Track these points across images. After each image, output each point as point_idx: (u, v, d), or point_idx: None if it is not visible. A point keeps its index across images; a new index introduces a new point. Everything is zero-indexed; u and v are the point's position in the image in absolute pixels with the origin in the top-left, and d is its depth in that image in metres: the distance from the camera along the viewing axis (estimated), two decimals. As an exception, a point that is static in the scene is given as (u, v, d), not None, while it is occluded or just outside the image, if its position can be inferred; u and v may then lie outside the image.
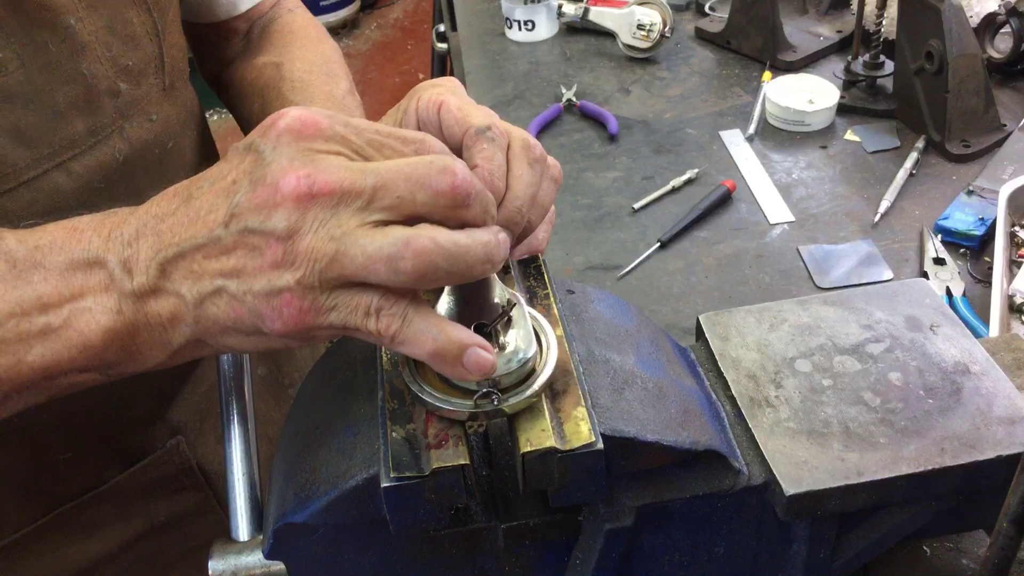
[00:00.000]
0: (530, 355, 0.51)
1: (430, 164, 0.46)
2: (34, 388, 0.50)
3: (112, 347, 0.49)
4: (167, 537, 0.87)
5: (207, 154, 0.89)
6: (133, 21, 0.70)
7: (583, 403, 0.51)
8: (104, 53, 0.68)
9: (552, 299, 0.58)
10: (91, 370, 0.50)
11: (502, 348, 0.51)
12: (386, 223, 0.45)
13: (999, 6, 1.34)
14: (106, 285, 0.48)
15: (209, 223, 0.46)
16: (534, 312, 0.55)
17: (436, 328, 0.47)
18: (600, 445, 0.49)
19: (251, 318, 0.46)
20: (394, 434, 0.50)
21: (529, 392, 0.50)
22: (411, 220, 0.46)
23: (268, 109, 0.82)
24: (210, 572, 0.57)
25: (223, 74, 0.92)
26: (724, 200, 1.21)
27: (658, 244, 1.15)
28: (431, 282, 0.45)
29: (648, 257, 1.14)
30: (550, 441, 0.48)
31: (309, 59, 0.87)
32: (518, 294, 0.54)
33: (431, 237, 0.45)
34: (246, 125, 0.88)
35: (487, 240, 0.47)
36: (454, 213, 0.46)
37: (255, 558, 0.57)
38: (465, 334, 0.47)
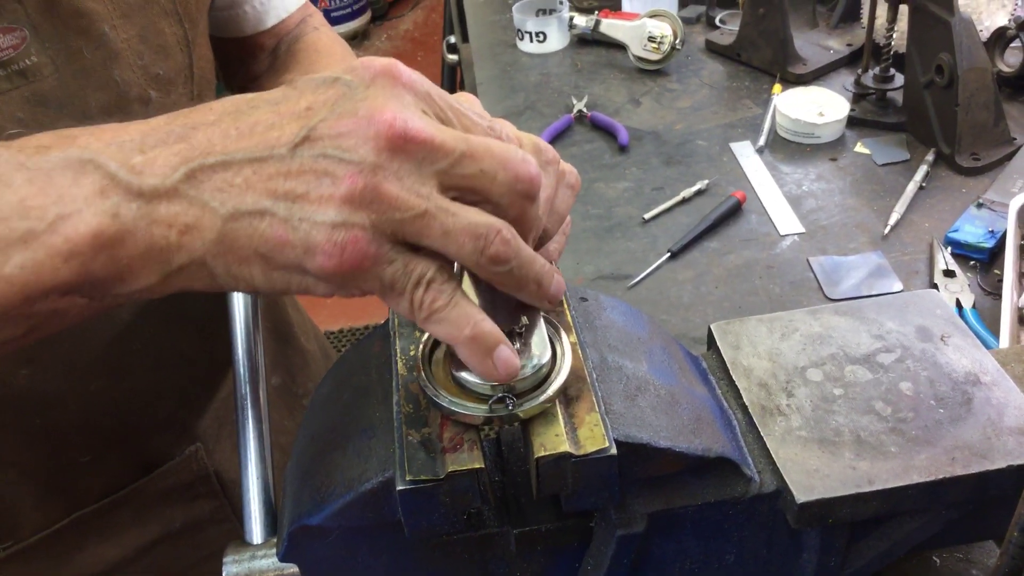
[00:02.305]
0: (544, 361, 0.51)
1: (514, 150, 0.45)
2: (11, 315, 0.43)
3: (101, 257, 0.42)
4: (182, 544, 0.87)
5: None
6: (165, 31, 0.72)
7: (596, 409, 0.51)
8: (136, 61, 0.69)
9: (566, 306, 0.58)
10: (74, 291, 0.43)
11: (517, 354, 0.51)
12: (456, 197, 0.44)
13: (1009, 20, 1.35)
14: (102, 188, 0.42)
15: (270, 140, 0.43)
16: (548, 319, 0.56)
17: (478, 316, 0.46)
18: (614, 451, 0.49)
19: (298, 249, 0.43)
20: (409, 438, 0.50)
21: (543, 397, 0.50)
22: (476, 201, 0.45)
23: None
24: (224, 574, 0.58)
25: (249, 89, 0.94)
26: (734, 211, 1.22)
27: (668, 254, 1.16)
28: (496, 275, 0.45)
29: (658, 267, 1.14)
30: (564, 446, 0.49)
31: None
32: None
33: (513, 231, 0.45)
34: None
35: (544, 263, 0.47)
36: (522, 204, 0.46)
37: (268, 561, 0.58)
38: (499, 331, 0.47)
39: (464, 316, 0.46)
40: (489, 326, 0.47)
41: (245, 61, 0.94)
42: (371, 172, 0.42)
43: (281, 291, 0.45)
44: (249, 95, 0.46)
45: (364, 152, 0.42)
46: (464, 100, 0.52)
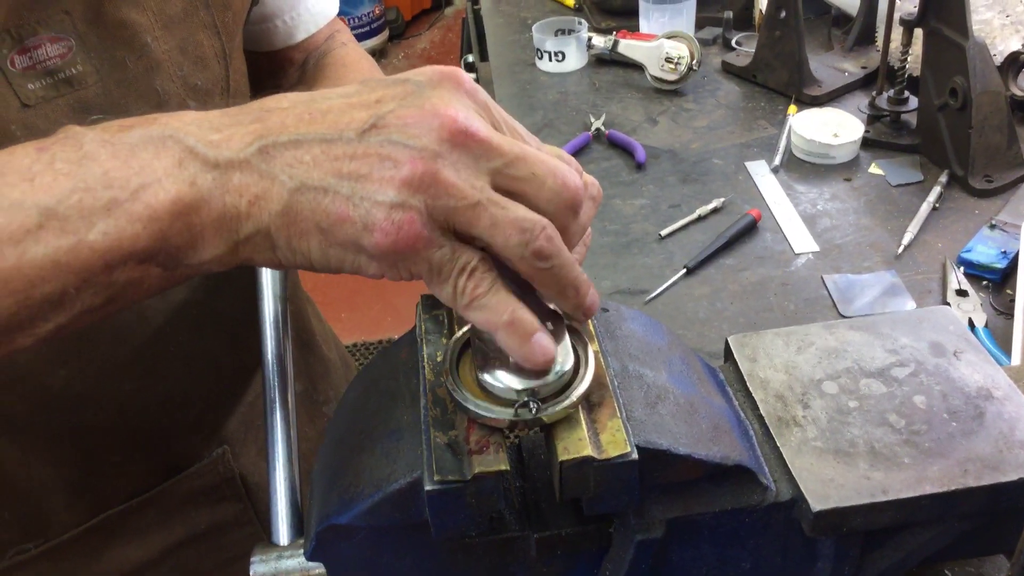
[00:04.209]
0: (568, 368, 0.53)
1: (564, 164, 0.49)
2: (92, 282, 0.45)
3: (177, 223, 0.45)
4: (205, 546, 0.89)
5: None
6: (203, 43, 0.74)
7: (618, 415, 0.53)
8: (176, 72, 0.72)
9: (588, 316, 0.60)
10: (151, 259, 0.46)
11: None
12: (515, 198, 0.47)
13: (1023, 45, 1.36)
14: (181, 159, 0.45)
15: (340, 124, 0.46)
16: (572, 328, 0.57)
17: (516, 304, 0.49)
18: (635, 455, 0.51)
19: (357, 225, 0.45)
20: (437, 440, 0.52)
21: (567, 403, 0.52)
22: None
23: None
24: (251, 574, 0.59)
25: None
26: (750, 229, 1.23)
27: (684, 270, 1.17)
28: (539, 271, 0.48)
29: (675, 283, 1.16)
30: (587, 450, 0.50)
31: None
32: (556, 309, 0.56)
33: (556, 232, 0.48)
34: None
35: (583, 274, 0.51)
36: (565, 213, 0.49)
37: (295, 561, 0.59)
38: (536, 320, 0.49)
39: (504, 302, 0.48)
40: (527, 314, 0.49)
41: (275, 74, 0.96)
42: (432, 159, 0.45)
43: (335, 267, 0.48)
44: (314, 92, 0.49)
45: (427, 140, 0.45)
46: (516, 130, 0.54)
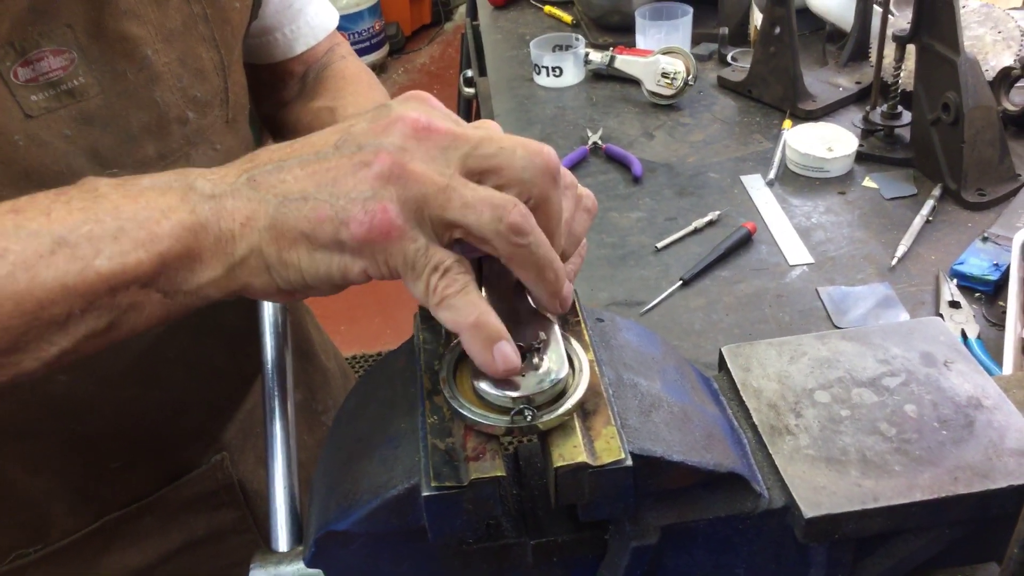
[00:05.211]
0: (563, 376, 0.54)
1: (526, 141, 0.51)
2: (97, 305, 0.49)
3: (177, 247, 0.49)
4: (203, 553, 0.89)
5: None
6: (202, 56, 0.75)
7: (613, 423, 0.54)
8: (176, 84, 0.73)
9: (583, 326, 0.61)
10: (152, 284, 0.49)
11: (536, 369, 0.53)
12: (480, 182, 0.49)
13: (1015, 60, 1.38)
14: (183, 195, 0.50)
15: (317, 146, 0.50)
16: (567, 336, 0.58)
17: (484, 307, 0.50)
18: (629, 462, 0.51)
19: (336, 221, 0.48)
20: (434, 447, 0.53)
21: (562, 410, 0.53)
22: (501, 185, 0.49)
23: None
24: (251, 581, 0.60)
25: (278, 115, 0.98)
26: (745, 241, 1.24)
27: (680, 282, 1.18)
28: (516, 248, 0.49)
29: (670, 295, 1.17)
30: (582, 456, 0.51)
31: (361, 104, 0.92)
32: (552, 319, 0.57)
33: (528, 211, 0.49)
34: None
35: (555, 255, 0.51)
36: (543, 181, 0.50)
37: (294, 568, 0.60)
38: (503, 328, 0.50)
39: (472, 305, 0.49)
40: (494, 320, 0.50)
41: (276, 87, 0.98)
42: (399, 152, 0.48)
43: (324, 275, 0.50)
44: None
45: (393, 139, 0.48)
46: (485, 124, 0.56)
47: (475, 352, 0.50)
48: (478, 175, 0.49)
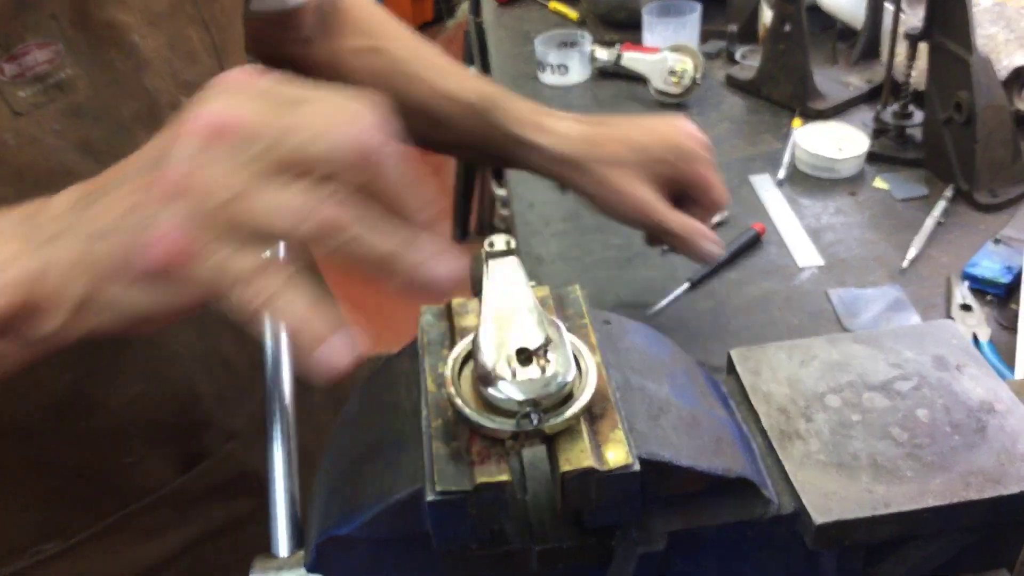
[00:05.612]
0: (569, 379, 0.53)
1: (343, 112, 0.45)
2: None
3: (17, 301, 0.47)
4: (224, 541, 0.89)
5: None
6: (192, 38, 0.75)
7: (620, 427, 0.53)
8: (165, 69, 0.72)
9: (589, 328, 0.60)
10: (3, 335, 0.48)
11: (543, 371, 0.53)
12: (292, 176, 0.44)
13: (1027, 60, 1.36)
14: (25, 241, 0.48)
15: (124, 170, 0.48)
16: (574, 339, 0.57)
17: (303, 308, 0.45)
18: (637, 467, 0.51)
19: (136, 251, 0.45)
20: (439, 451, 0.52)
21: (569, 414, 0.52)
22: (318, 181, 0.45)
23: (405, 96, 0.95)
24: (251, 587, 0.59)
25: (304, 55, 0.98)
26: (754, 243, 1.23)
27: (688, 284, 1.17)
28: (336, 249, 0.45)
29: (678, 297, 1.16)
30: (589, 461, 0.50)
31: (405, 43, 0.98)
32: (558, 321, 0.57)
33: (350, 201, 0.44)
34: None
35: (401, 241, 0.45)
36: (356, 170, 0.45)
37: (295, 573, 0.59)
38: (327, 326, 0.45)
39: (284, 310, 0.45)
40: (311, 320, 0.45)
41: (289, 26, 0.98)
42: (187, 163, 0.44)
43: (149, 311, 0.47)
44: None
45: (182, 148, 0.44)
46: (312, 97, 0.49)
47: (301, 360, 0.46)
48: (289, 170, 0.44)
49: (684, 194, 1.00)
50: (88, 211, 0.47)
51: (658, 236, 1.02)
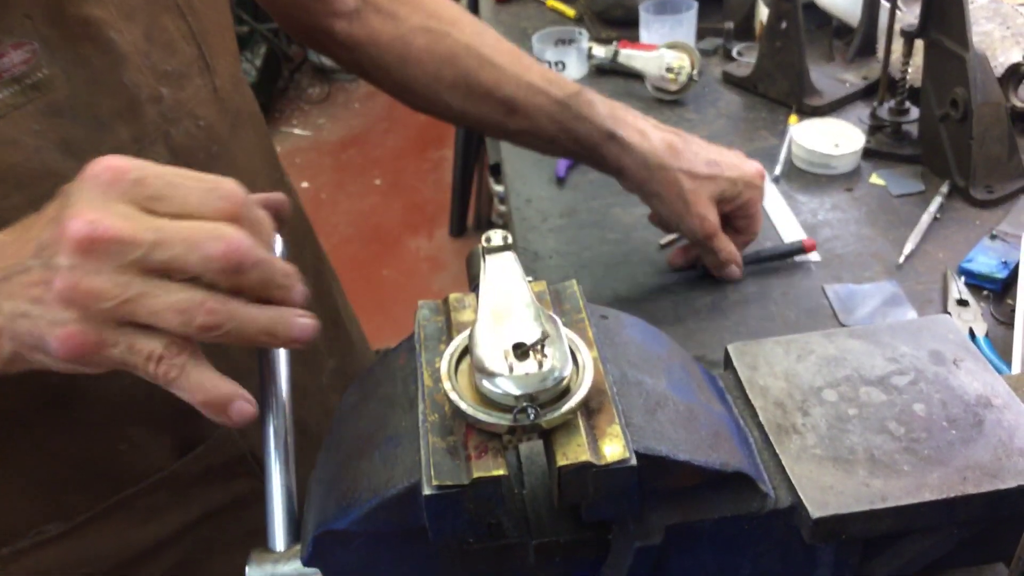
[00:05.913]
0: (566, 374, 0.53)
1: (207, 230, 0.51)
2: None
3: None
4: (225, 521, 0.89)
5: (264, 159, 0.93)
6: (169, 27, 0.74)
7: (617, 421, 0.53)
8: (143, 62, 0.72)
9: (587, 323, 0.60)
10: None
11: (540, 366, 0.53)
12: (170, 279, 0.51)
13: (1023, 57, 1.37)
14: None
15: (24, 253, 0.53)
16: (571, 333, 0.57)
17: (209, 382, 0.54)
18: (634, 461, 0.51)
19: (46, 342, 0.51)
20: (435, 445, 0.52)
21: (566, 408, 0.52)
22: (192, 279, 0.52)
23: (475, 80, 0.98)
24: (247, 581, 0.59)
25: (342, 29, 0.98)
26: (796, 253, 1.22)
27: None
28: (216, 337, 0.52)
29: (675, 292, 1.16)
30: (585, 456, 0.50)
31: (467, 27, 0.98)
32: (555, 316, 0.56)
33: (222, 299, 0.52)
34: (424, 91, 0.99)
35: (272, 316, 0.54)
36: (229, 279, 0.52)
37: (291, 567, 0.59)
38: (231, 388, 0.55)
39: (195, 384, 0.54)
40: (222, 388, 0.54)
41: (328, 2, 0.97)
42: (71, 273, 0.50)
43: (73, 372, 0.55)
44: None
45: (62, 258, 0.50)
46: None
47: (215, 419, 0.55)
48: (166, 274, 0.51)
49: (727, 217, 1.07)
50: (4, 286, 0.53)
51: (699, 250, 1.10)
